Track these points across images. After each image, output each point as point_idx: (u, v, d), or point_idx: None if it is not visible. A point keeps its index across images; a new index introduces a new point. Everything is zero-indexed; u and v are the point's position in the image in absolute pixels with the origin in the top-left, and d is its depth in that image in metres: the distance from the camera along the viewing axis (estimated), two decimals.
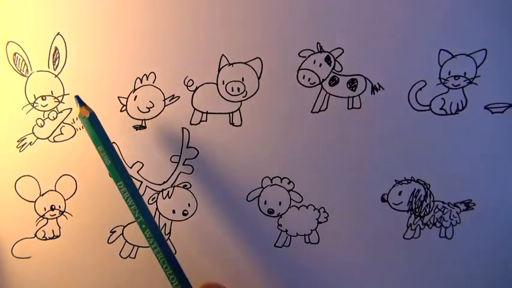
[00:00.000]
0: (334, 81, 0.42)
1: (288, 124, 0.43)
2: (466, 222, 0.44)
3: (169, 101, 0.43)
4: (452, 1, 0.40)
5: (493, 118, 0.42)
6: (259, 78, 0.42)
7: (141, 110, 0.43)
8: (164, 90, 0.43)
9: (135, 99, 0.43)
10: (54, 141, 0.43)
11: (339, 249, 0.45)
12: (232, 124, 0.43)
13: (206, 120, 0.43)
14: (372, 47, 0.41)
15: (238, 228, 0.45)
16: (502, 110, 0.42)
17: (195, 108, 0.43)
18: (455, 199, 0.44)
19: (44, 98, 0.43)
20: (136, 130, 0.43)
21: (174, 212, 0.45)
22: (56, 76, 0.42)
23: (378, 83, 0.42)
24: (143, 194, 0.45)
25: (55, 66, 0.42)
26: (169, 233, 0.46)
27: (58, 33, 0.41)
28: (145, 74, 0.42)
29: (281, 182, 0.44)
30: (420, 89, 0.42)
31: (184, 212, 0.45)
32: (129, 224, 0.45)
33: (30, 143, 0.43)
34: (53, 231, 0.45)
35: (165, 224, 0.46)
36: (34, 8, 0.41)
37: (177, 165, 0.44)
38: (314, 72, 0.42)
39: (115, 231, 0.45)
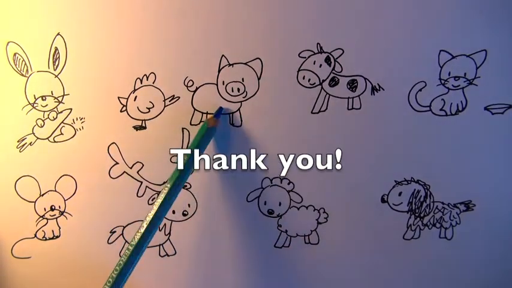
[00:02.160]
0: (334, 82, 0.42)
1: (288, 124, 0.43)
2: (466, 223, 0.44)
3: (170, 101, 0.43)
4: (453, 1, 0.40)
5: (493, 119, 0.42)
6: (259, 78, 0.42)
7: (141, 110, 0.43)
8: (164, 91, 0.43)
9: (135, 100, 0.43)
10: (54, 142, 0.43)
11: (339, 249, 0.45)
12: (232, 124, 0.43)
13: None
14: (372, 47, 0.41)
15: (238, 228, 0.45)
16: (502, 110, 0.42)
17: (195, 109, 0.43)
18: (455, 200, 0.44)
19: (44, 98, 0.43)
20: (137, 130, 0.43)
21: (174, 212, 0.45)
22: (56, 76, 0.42)
23: (377, 84, 0.42)
24: (143, 194, 0.45)
25: (55, 67, 0.42)
26: (169, 233, 0.46)
27: (58, 33, 0.41)
28: (145, 75, 0.42)
29: (281, 183, 0.44)
30: (420, 90, 0.42)
31: (184, 212, 0.45)
32: (129, 224, 0.45)
33: (30, 143, 0.43)
34: (53, 231, 0.45)
35: (165, 224, 0.45)
36: (34, 8, 0.41)
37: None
38: (314, 73, 0.42)
39: (115, 231, 0.45)
